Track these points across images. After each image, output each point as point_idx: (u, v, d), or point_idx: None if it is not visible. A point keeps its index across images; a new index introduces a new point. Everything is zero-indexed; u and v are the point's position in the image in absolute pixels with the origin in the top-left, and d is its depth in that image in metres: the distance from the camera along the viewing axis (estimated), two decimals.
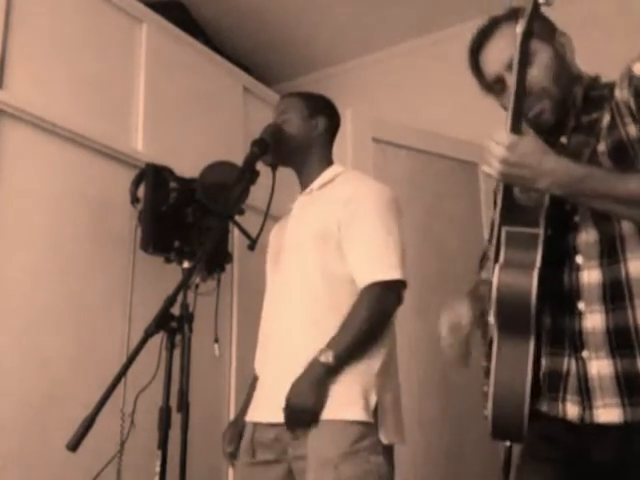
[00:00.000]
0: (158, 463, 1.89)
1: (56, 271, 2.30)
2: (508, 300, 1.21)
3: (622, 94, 1.27)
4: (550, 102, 1.34)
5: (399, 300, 1.78)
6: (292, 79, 3.80)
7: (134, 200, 2.40)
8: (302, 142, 1.90)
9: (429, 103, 3.31)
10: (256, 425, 1.78)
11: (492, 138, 1.23)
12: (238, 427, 1.90)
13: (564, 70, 1.37)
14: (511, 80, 1.30)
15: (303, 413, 1.62)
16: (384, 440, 1.65)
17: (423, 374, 2.76)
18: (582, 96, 1.36)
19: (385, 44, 3.55)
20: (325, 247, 1.77)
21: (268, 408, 1.75)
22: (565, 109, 1.36)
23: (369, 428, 1.65)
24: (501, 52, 1.37)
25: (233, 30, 3.45)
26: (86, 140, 2.45)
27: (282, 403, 1.66)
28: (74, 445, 1.38)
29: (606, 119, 1.29)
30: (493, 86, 1.42)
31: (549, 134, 1.38)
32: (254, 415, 1.82)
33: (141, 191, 2.41)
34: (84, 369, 2.30)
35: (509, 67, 1.33)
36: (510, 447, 1.44)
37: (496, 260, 1.28)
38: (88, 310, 2.38)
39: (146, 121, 2.72)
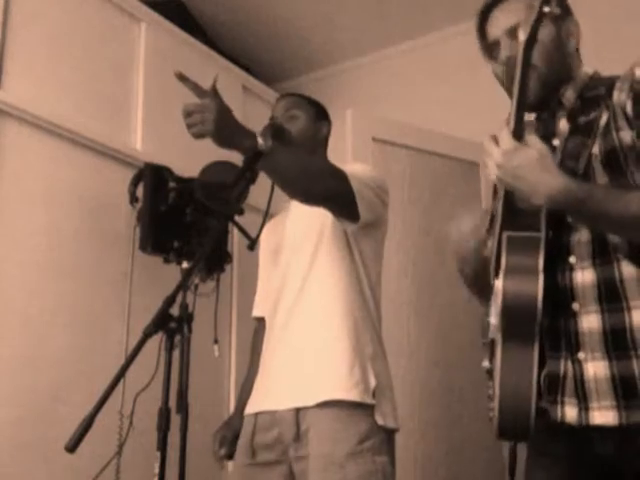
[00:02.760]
0: (157, 464, 1.88)
1: (54, 271, 2.29)
2: (514, 307, 1.20)
3: (620, 97, 1.24)
4: (536, 78, 1.30)
5: (347, 206, 1.65)
6: (292, 78, 3.79)
7: (133, 200, 2.40)
8: (307, 143, 1.90)
9: (429, 103, 3.30)
10: (257, 420, 1.77)
11: (493, 139, 1.21)
12: (231, 429, 1.91)
13: (561, 56, 1.34)
14: (506, 47, 1.31)
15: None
16: (380, 421, 1.66)
17: (423, 374, 2.75)
18: (576, 96, 1.33)
19: (385, 43, 3.54)
20: (334, 236, 1.77)
21: (275, 396, 1.75)
22: (550, 91, 1.34)
23: (373, 427, 1.65)
24: (506, 16, 1.36)
25: (232, 29, 3.44)
26: (85, 139, 2.44)
27: (287, 388, 1.69)
28: (72, 446, 1.37)
29: (603, 119, 1.26)
30: (490, 50, 1.40)
31: (536, 117, 1.37)
32: (257, 405, 1.81)
33: (140, 191, 2.40)
34: (82, 370, 2.29)
35: (508, 33, 1.33)
36: (515, 445, 1.44)
37: (497, 266, 1.26)
38: (86, 310, 2.37)
39: (145, 120, 2.71)
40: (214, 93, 1.48)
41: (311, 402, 1.66)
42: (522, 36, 1.20)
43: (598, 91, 1.30)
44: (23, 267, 2.21)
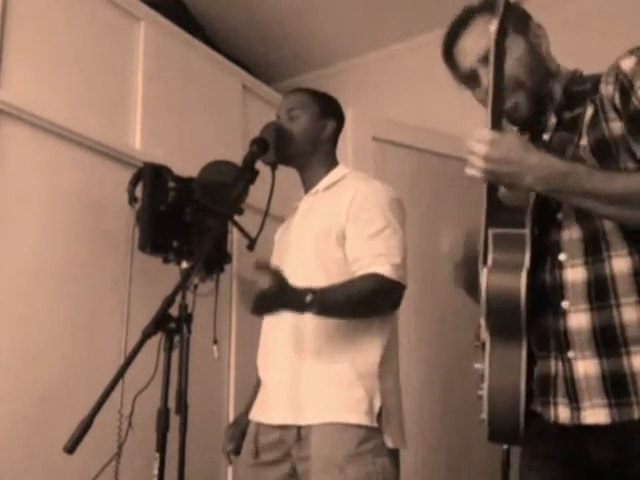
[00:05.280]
0: (156, 465, 1.87)
1: (53, 271, 2.28)
2: (498, 303, 1.20)
3: (607, 89, 1.25)
4: (525, 95, 1.32)
5: (395, 302, 1.75)
6: (292, 77, 3.78)
7: (132, 199, 2.39)
8: (309, 143, 1.88)
9: (430, 102, 3.29)
10: (259, 426, 1.78)
11: (473, 137, 1.21)
12: (240, 426, 1.92)
13: (539, 62, 1.35)
14: (486, 75, 1.29)
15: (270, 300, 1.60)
16: (389, 444, 1.65)
17: (423, 375, 2.74)
18: (562, 91, 1.34)
19: (386, 42, 3.54)
20: (327, 246, 1.76)
21: (274, 409, 1.75)
22: (541, 103, 1.35)
23: (373, 431, 1.64)
24: (475, 45, 1.35)
25: (232, 28, 3.43)
26: (84, 139, 2.43)
27: (294, 405, 1.68)
28: (71, 447, 1.36)
29: (589, 114, 1.27)
30: (468, 80, 1.40)
31: (526, 128, 1.38)
32: (258, 415, 1.81)
33: (139, 190, 2.39)
34: (81, 370, 2.28)
35: (483, 60, 1.32)
36: (508, 448, 1.43)
37: (485, 263, 1.26)
38: (85, 311, 2.36)
39: (144, 120, 2.70)
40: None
41: (308, 422, 1.67)
42: (493, 26, 1.19)
43: (583, 87, 1.32)
44: (22, 266, 2.20)
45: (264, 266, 1.60)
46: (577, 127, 1.28)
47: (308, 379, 1.70)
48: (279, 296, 1.57)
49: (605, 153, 1.23)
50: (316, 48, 3.63)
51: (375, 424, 1.64)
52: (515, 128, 1.40)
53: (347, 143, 2.74)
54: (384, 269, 1.69)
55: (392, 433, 1.67)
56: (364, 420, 1.63)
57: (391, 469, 1.65)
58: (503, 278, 1.20)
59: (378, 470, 1.62)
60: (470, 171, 1.23)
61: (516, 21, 1.30)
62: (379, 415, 1.65)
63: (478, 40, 1.34)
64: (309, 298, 1.60)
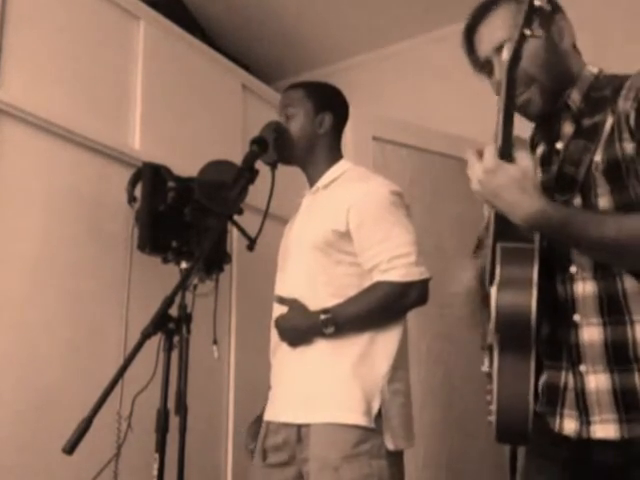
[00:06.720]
0: (156, 466, 1.87)
1: (51, 271, 2.27)
2: (508, 320, 1.19)
3: (625, 105, 1.20)
4: (538, 91, 1.29)
5: (418, 298, 1.76)
6: (291, 77, 3.77)
7: (131, 199, 2.38)
8: (308, 140, 1.86)
9: (430, 101, 3.29)
10: (269, 424, 1.79)
11: (477, 153, 1.19)
12: (261, 423, 1.90)
13: (556, 60, 1.30)
14: (499, 66, 1.26)
15: (292, 331, 1.76)
16: (389, 446, 1.64)
17: (424, 376, 2.73)
18: (581, 98, 1.29)
19: (386, 42, 3.53)
20: (326, 248, 1.76)
21: (278, 407, 1.76)
22: (555, 99, 1.30)
23: (371, 432, 1.63)
24: (493, 33, 1.32)
25: (232, 27, 3.42)
26: (83, 138, 2.43)
27: (295, 404, 1.69)
28: (70, 448, 1.36)
29: (608, 125, 1.22)
30: (483, 67, 1.37)
31: (540, 122, 1.35)
32: (267, 413, 1.83)
33: (138, 190, 2.38)
34: (81, 371, 2.27)
35: (498, 50, 1.29)
36: (515, 448, 1.43)
37: (492, 278, 1.25)
38: (84, 311, 2.35)
39: (143, 119, 2.70)
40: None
41: (306, 421, 1.68)
42: (505, 55, 1.16)
43: (604, 92, 1.27)
44: (21, 266, 2.19)
45: (282, 300, 1.78)
46: (596, 136, 1.23)
47: (309, 379, 1.70)
48: (297, 325, 1.73)
49: (617, 175, 1.20)
50: (316, 47, 3.62)
51: (373, 425, 1.63)
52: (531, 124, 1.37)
53: (347, 143, 2.73)
54: (399, 273, 1.69)
55: (393, 434, 1.65)
56: (362, 421, 1.62)
57: (388, 472, 1.62)
58: (513, 295, 1.19)
59: (374, 472, 1.60)
60: (472, 186, 1.22)
61: (540, 12, 1.20)
62: (378, 416, 1.64)
63: (495, 30, 1.31)
64: (323, 317, 1.67)
